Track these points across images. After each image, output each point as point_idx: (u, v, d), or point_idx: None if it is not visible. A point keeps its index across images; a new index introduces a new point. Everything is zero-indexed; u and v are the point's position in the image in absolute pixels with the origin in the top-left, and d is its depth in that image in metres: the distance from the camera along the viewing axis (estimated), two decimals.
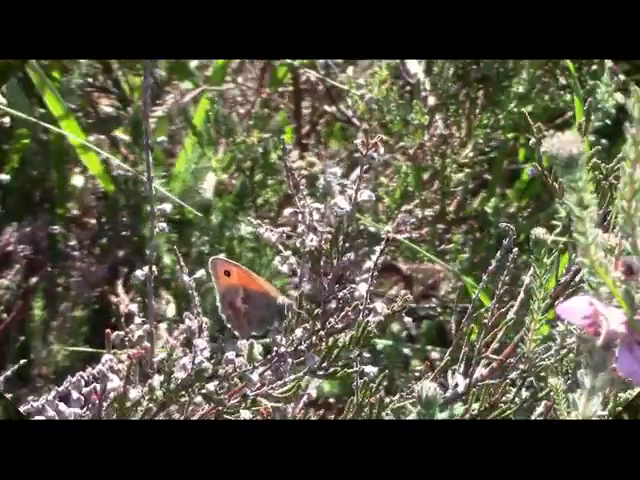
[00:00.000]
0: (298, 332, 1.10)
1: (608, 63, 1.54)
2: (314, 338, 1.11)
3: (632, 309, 0.73)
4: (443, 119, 1.90)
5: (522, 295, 1.23)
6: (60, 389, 1.00)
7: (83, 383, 1.01)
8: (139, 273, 1.20)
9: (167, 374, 1.06)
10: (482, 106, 1.89)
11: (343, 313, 1.12)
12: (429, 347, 1.90)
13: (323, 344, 1.11)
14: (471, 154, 1.90)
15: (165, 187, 1.80)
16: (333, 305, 1.15)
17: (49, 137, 1.89)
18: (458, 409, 1.26)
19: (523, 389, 1.23)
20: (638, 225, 0.70)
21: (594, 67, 1.73)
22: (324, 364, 1.12)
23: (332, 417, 1.19)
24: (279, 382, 1.11)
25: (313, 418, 1.21)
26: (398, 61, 1.86)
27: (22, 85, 1.84)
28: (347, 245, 1.14)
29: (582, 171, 0.66)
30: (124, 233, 1.89)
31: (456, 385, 1.24)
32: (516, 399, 1.22)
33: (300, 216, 1.16)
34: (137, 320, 1.17)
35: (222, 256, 1.32)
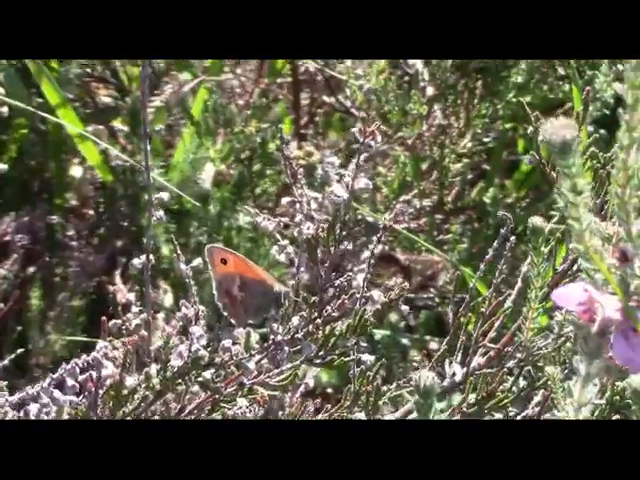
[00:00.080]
0: (295, 320, 1.10)
1: None
2: (311, 326, 1.11)
3: (627, 296, 0.73)
4: (442, 109, 1.90)
5: (520, 284, 1.23)
6: (55, 376, 1.00)
7: (78, 370, 1.01)
8: (136, 262, 1.20)
9: (163, 362, 1.06)
10: (481, 96, 1.89)
11: (340, 301, 1.12)
12: (427, 337, 1.90)
13: (320, 332, 1.11)
14: (469, 144, 1.90)
15: (163, 177, 1.80)
16: (330, 293, 1.15)
17: (47, 127, 1.89)
18: (456, 399, 1.26)
19: (520, 378, 1.23)
20: (632, 212, 0.69)
21: None
22: (321, 353, 1.12)
23: (329, 406, 1.19)
24: (276, 370, 1.11)
25: (310, 408, 1.21)
26: None
27: (20, 75, 1.84)
28: (344, 233, 1.14)
29: (576, 156, 0.66)
30: (122, 223, 1.89)
31: (453, 374, 1.24)
32: (513, 388, 1.22)
33: (298, 205, 1.16)
34: (134, 309, 1.17)
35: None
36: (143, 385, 1.07)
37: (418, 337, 1.89)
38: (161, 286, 1.83)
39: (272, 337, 1.11)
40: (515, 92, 1.85)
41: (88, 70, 1.97)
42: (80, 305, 1.80)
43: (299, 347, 1.11)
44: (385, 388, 1.19)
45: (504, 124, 1.92)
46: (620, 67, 1.50)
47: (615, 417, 1.18)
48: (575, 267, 1.20)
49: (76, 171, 1.97)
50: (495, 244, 1.21)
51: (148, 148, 1.19)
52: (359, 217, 1.83)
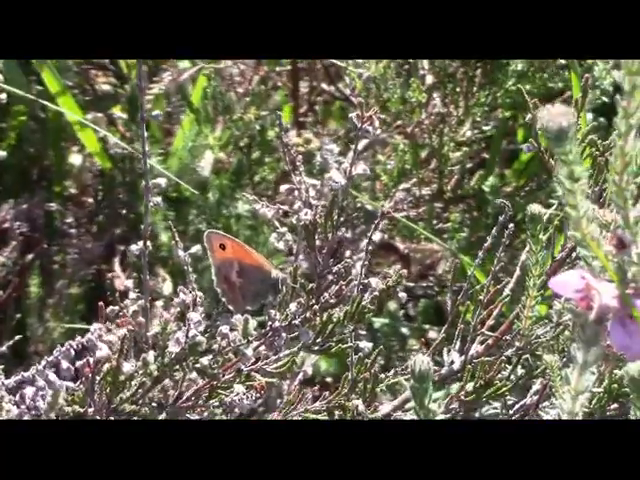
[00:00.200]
0: (292, 307, 1.10)
1: None
2: (308, 313, 1.11)
3: (624, 283, 0.73)
4: (441, 97, 1.90)
5: (518, 272, 1.23)
6: (50, 359, 1.00)
7: (73, 353, 1.01)
8: (134, 247, 1.20)
9: (161, 348, 1.06)
10: (480, 84, 1.88)
11: (337, 287, 1.12)
12: (426, 326, 1.90)
13: (317, 319, 1.11)
14: (469, 133, 1.90)
15: (162, 165, 1.80)
16: (328, 280, 1.14)
17: (47, 115, 1.89)
18: (454, 387, 1.26)
19: (519, 366, 1.23)
20: (630, 198, 0.69)
21: None
22: (318, 339, 1.12)
23: (327, 393, 1.19)
24: (273, 357, 1.11)
25: (309, 395, 1.21)
26: None
27: (19, 62, 1.83)
28: (342, 219, 1.14)
29: (573, 143, 0.66)
30: (121, 211, 1.89)
31: (452, 362, 1.23)
32: (511, 376, 1.22)
33: (296, 192, 1.16)
34: (132, 295, 1.17)
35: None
36: (140, 371, 1.07)
37: (417, 326, 1.89)
38: (160, 274, 1.83)
39: (270, 323, 1.11)
40: (515, 80, 1.85)
41: None
42: (79, 293, 1.80)
43: (297, 334, 1.11)
44: (383, 376, 1.19)
45: (504, 112, 1.92)
46: None
47: (613, 405, 1.18)
48: (573, 255, 1.20)
49: (75, 159, 1.96)
50: (494, 232, 1.21)
51: (145, 133, 1.19)
52: (358, 205, 1.83)
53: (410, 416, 1.20)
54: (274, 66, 2.05)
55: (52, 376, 0.99)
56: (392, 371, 1.20)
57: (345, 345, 1.13)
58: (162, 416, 1.11)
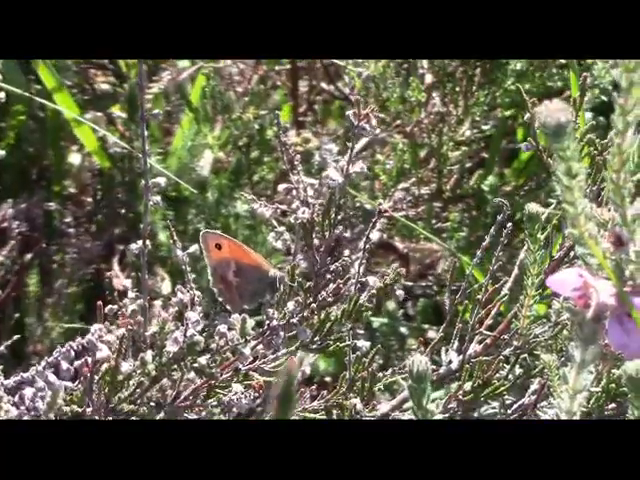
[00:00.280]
0: (290, 305, 1.10)
1: None
2: (306, 312, 1.10)
3: (621, 281, 0.72)
4: (440, 97, 1.89)
5: (516, 271, 1.23)
6: (50, 360, 1.00)
7: (73, 354, 1.01)
8: (133, 246, 1.20)
9: (159, 348, 1.05)
10: (479, 84, 1.88)
11: (335, 286, 1.12)
12: (425, 326, 1.90)
13: (315, 318, 1.11)
14: (468, 132, 1.90)
15: (161, 164, 1.80)
16: (326, 279, 1.14)
17: (45, 114, 1.89)
18: (452, 386, 1.26)
19: (517, 366, 1.23)
20: (627, 196, 0.69)
21: None
22: (316, 338, 1.12)
23: (325, 392, 1.19)
24: (271, 356, 1.11)
25: (307, 394, 1.20)
26: None
27: (18, 61, 1.83)
28: (339, 217, 1.14)
29: (570, 139, 0.66)
30: (120, 210, 1.89)
31: (450, 362, 1.23)
32: (510, 376, 1.22)
33: (294, 191, 1.16)
34: (131, 294, 1.17)
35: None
36: (139, 371, 1.07)
37: (416, 325, 1.89)
38: (159, 273, 1.83)
39: (267, 322, 1.11)
40: (514, 79, 1.85)
41: None
42: (78, 292, 1.80)
43: (294, 333, 1.11)
44: (380, 374, 1.19)
45: (503, 112, 1.92)
46: None
47: (611, 405, 1.18)
48: (572, 254, 1.20)
49: (74, 158, 1.96)
50: (492, 231, 1.21)
51: (145, 132, 1.19)
52: (357, 205, 1.83)
53: (408, 416, 1.20)
54: (273, 65, 2.04)
55: (52, 377, 0.99)
56: (390, 370, 1.20)
57: (343, 344, 1.13)
58: (160, 416, 1.11)
